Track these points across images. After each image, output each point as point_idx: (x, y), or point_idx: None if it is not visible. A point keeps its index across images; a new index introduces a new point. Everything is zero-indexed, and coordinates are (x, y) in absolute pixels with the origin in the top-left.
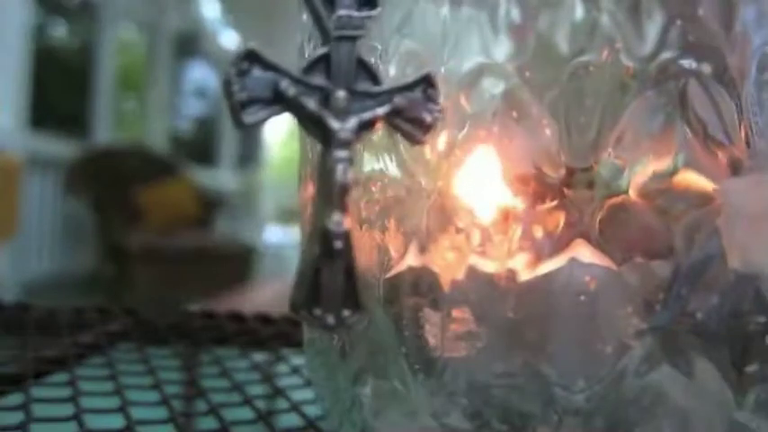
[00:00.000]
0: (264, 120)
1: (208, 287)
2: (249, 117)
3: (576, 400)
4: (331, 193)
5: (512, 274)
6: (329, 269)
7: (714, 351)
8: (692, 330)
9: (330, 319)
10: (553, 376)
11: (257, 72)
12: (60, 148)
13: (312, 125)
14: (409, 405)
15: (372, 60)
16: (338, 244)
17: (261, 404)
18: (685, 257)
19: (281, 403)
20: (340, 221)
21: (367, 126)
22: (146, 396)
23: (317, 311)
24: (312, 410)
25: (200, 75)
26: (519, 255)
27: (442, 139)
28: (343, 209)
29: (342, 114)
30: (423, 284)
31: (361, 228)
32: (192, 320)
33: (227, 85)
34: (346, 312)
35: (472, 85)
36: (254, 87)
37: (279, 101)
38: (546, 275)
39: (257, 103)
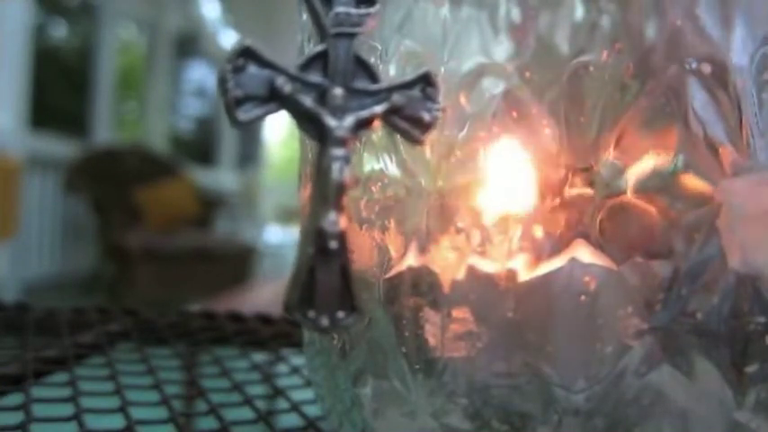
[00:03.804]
0: (260, 117)
1: (208, 287)
2: (244, 114)
3: (576, 400)
4: (327, 192)
5: (512, 275)
6: (324, 269)
7: (714, 351)
8: (692, 330)
9: (324, 321)
10: (553, 376)
11: (253, 69)
12: (60, 148)
13: (308, 123)
14: (409, 405)
15: (372, 60)
16: (333, 244)
17: (261, 404)
18: (685, 257)
19: (281, 403)
20: (335, 221)
21: (364, 124)
22: (146, 396)
23: (311, 313)
24: (312, 410)
25: (200, 75)
26: (519, 255)
27: (442, 140)
28: (339, 208)
29: (338, 112)
30: (423, 284)
31: (360, 228)
32: (192, 320)
33: (221, 81)
34: (341, 314)
35: (472, 85)
36: (249, 84)
37: (274, 98)
38: (546, 275)
39: (252, 101)
